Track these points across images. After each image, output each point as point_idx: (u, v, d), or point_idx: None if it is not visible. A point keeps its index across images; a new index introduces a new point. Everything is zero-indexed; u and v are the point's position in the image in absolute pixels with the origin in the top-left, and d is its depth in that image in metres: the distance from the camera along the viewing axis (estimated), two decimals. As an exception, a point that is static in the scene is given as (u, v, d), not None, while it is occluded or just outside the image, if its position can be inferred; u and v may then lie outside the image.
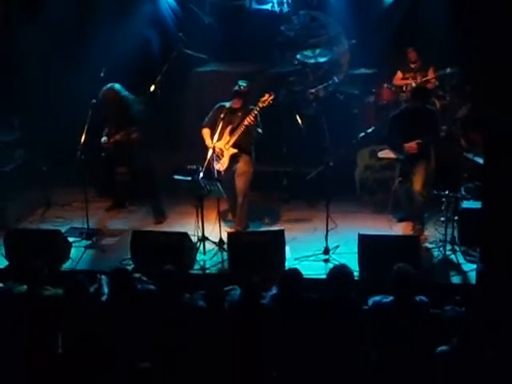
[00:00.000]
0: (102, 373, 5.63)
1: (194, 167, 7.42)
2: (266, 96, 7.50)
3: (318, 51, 9.28)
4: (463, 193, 7.43)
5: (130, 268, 6.92)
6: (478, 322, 5.09)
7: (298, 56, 9.30)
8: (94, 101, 7.84)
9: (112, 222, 8.33)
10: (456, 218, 7.31)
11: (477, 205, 6.79)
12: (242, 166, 7.71)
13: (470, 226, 6.96)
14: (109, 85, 7.94)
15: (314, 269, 7.00)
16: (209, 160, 7.46)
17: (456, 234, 7.29)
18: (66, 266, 7.30)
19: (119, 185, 8.42)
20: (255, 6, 9.86)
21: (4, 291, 6.13)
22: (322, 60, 9.23)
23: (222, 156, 7.65)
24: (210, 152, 7.52)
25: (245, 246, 7.07)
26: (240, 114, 7.59)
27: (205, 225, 7.44)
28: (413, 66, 9.05)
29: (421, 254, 6.90)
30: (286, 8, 9.81)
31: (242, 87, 7.59)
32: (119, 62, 8.65)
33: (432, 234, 7.60)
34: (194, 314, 5.70)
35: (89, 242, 7.72)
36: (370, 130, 8.21)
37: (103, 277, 6.23)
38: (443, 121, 8.42)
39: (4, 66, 9.04)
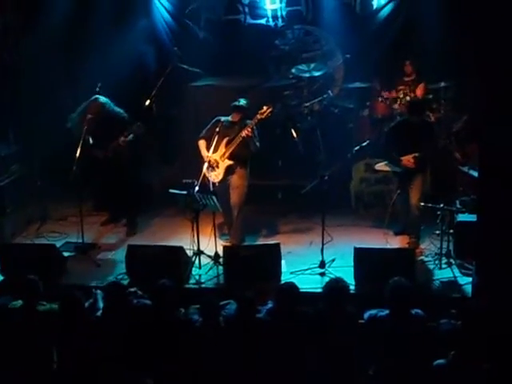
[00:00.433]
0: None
1: (190, 181, 7.42)
2: (265, 108, 7.53)
3: (312, 65, 9.31)
4: (458, 206, 7.44)
5: (125, 282, 6.91)
6: (475, 336, 5.08)
7: (293, 70, 9.33)
8: (89, 116, 7.85)
9: (107, 237, 8.31)
10: (451, 231, 7.31)
11: (472, 218, 6.79)
12: (236, 179, 7.71)
13: (466, 239, 6.97)
14: (92, 97, 7.98)
15: (309, 282, 6.99)
16: (204, 173, 7.47)
17: (451, 247, 7.29)
18: (61, 280, 7.27)
19: (110, 196, 8.40)
20: (250, 20, 9.90)
21: (-1, 306, 6.12)
22: (316, 74, 9.26)
23: (217, 167, 7.65)
24: (206, 165, 7.53)
25: (240, 260, 7.06)
26: (237, 127, 7.62)
27: (200, 238, 7.43)
28: (407, 79, 9.09)
29: (416, 268, 6.90)
30: (280, 23, 9.85)
31: (242, 103, 7.64)
32: (114, 77, 8.65)
33: (428, 247, 7.61)
34: (190, 328, 5.68)
35: (84, 257, 7.69)
36: (364, 144, 8.23)
37: (98, 291, 6.23)
38: (438, 134, 8.45)
39: (1, 81, 9.05)
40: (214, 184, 7.65)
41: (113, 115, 8.03)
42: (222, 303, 5.92)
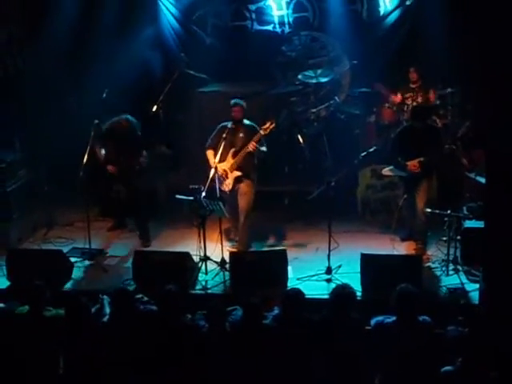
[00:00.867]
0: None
1: (196, 187, 7.43)
2: (268, 124, 7.55)
3: (319, 71, 9.32)
4: (465, 212, 7.42)
5: (131, 288, 6.91)
6: (482, 343, 5.06)
7: (300, 76, 9.34)
8: (96, 121, 7.87)
9: (114, 242, 8.32)
10: (458, 237, 7.29)
11: (479, 224, 6.77)
12: (244, 186, 7.74)
13: (473, 245, 6.95)
14: (123, 116, 8.02)
15: (316, 289, 6.98)
16: (211, 179, 7.48)
17: (458, 253, 7.27)
18: (68, 286, 7.28)
19: (117, 203, 8.41)
20: (257, 27, 9.92)
21: (6, 311, 6.12)
22: (323, 80, 9.26)
23: (227, 178, 7.69)
24: (213, 171, 7.54)
25: (247, 266, 7.06)
26: (242, 134, 7.63)
27: (207, 244, 7.43)
28: (413, 85, 9.08)
29: (423, 274, 6.88)
30: (287, 29, 9.88)
31: (238, 100, 7.69)
32: (121, 83, 8.69)
33: (434, 254, 7.59)
34: (196, 334, 5.68)
35: (91, 262, 7.70)
36: (371, 150, 8.22)
37: (105, 297, 6.22)
38: (445, 139, 8.45)
39: (7, 87, 9.08)
40: (221, 190, 7.67)
41: (134, 138, 8.03)
42: (228, 309, 5.91)
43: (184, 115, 9.65)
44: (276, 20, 9.84)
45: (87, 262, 7.73)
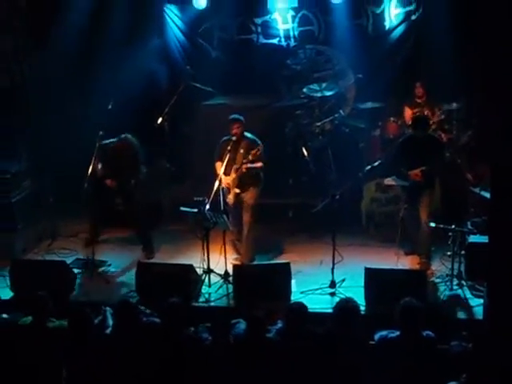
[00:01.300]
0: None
1: (201, 199, 7.44)
2: (254, 151, 7.57)
3: (324, 85, 9.34)
4: (470, 227, 7.41)
5: (134, 300, 6.90)
6: (486, 358, 5.03)
7: (305, 89, 9.36)
8: (101, 133, 7.91)
9: (118, 254, 8.31)
10: (463, 252, 7.28)
11: (483, 239, 6.75)
12: (248, 198, 7.78)
13: (477, 260, 6.93)
14: (123, 136, 8.01)
15: (320, 302, 6.97)
16: (215, 192, 7.49)
17: (463, 268, 7.25)
18: (71, 297, 7.28)
19: (117, 215, 8.41)
20: (262, 40, 9.96)
21: (9, 322, 6.11)
22: (328, 94, 9.28)
23: (229, 193, 7.75)
24: (217, 184, 7.55)
25: (250, 279, 7.05)
26: (242, 150, 7.65)
27: (210, 256, 7.43)
28: (419, 100, 9.08)
29: (427, 289, 6.87)
30: (292, 42, 9.91)
31: (237, 116, 7.74)
32: (127, 95, 8.72)
33: (439, 269, 7.57)
34: (199, 346, 5.66)
35: (94, 274, 7.69)
36: (376, 164, 8.22)
37: (108, 309, 6.22)
38: (450, 154, 8.47)
39: (13, 96, 9.12)
40: (225, 202, 7.68)
41: (133, 157, 8.04)
42: (231, 322, 5.89)
43: (189, 127, 9.67)
44: (281, 33, 9.88)
45: (90, 274, 7.72)
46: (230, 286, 7.26)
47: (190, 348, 5.66)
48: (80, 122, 8.84)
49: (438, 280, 7.37)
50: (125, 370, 5.61)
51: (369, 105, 9.36)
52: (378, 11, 9.55)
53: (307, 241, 8.51)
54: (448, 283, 7.21)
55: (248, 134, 7.79)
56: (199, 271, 7.39)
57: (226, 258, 7.51)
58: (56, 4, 9.26)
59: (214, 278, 7.45)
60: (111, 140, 8.03)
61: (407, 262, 7.77)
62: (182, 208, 7.50)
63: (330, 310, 6.45)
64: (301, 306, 5.76)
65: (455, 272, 7.22)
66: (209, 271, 7.43)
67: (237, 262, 7.73)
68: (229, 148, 7.65)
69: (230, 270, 7.33)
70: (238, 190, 7.71)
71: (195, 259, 7.51)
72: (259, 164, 7.69)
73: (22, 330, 5.92)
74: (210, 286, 7.38)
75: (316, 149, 9.03)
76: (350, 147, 9.09)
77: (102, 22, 9.25)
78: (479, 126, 8.71)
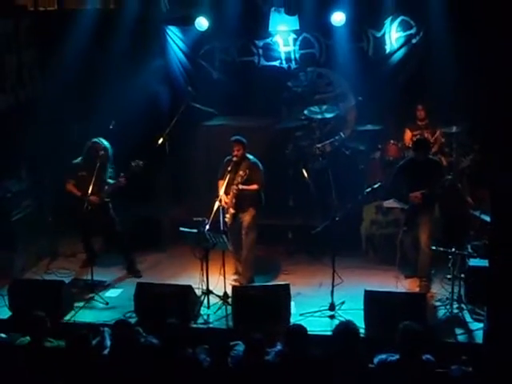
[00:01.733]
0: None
1: (200, 219, 7.44)
2: (241, 173, 7.58)
3: (324, 107, 9.38)
4: (470, 250, 7.40)
5: (133, 321, 6.87)
6: (486, 383, 5.00)
7: (305, 111, 9.40)
8: (102, 152, 7.93)
9: (115, 274, 8.29)
10: (463, 275, 7.26)
11: (484, 263, 6.74)
12: (247, 219, 7.77)
13: (477, 284, 6.91)
14: (96, 138, 8.03)
15: (319, 325, 6.93)
16: (215, 211, 7.49)
17: (463, 292, 7.23)
18: (69, 317, 7.24)
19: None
20: (264, 62, 10.01)
21: (6, 342, 6.08)
22: (328, 116, 9.32)
23: (228, 213, 7.73)
24: (217, 204, 7.55)
25: (249, 301, 7.01)
26: (243, 172, 7.64)
27: (209, 277, 7.40)
28: (420, 123, 9.11)
29: (427, 312, 6.83)
30: (293, 65, 9.97)
31: (239, 137, 7.76)
32: (128, 115, 8.74)
33: (439, 292, 7.55)
34: (197, 368, 5.63)
35: (92, 294, 7.67)
36: (376, 186, 8.22)
37: (106, 329, 6.19)
38: (451, 178, 8.48)
39: (17, 116, 9.17)
40: (225, 223, 7.67)
41: (106, 157, 7.97)
42: (230, 344, 5.86)
43: (190, 148, 9.69)
44: (283, 56, 9.93)
45: (89, 294, 7.69)
46: (229, 308, 7.22)
47: (188, 370, 5.62)
48: (81, 141, 8.84)
49: (437, 303, 7.34)
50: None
51: (369, 127, 9.40)
52: (379, 35, 9.61)
53: (307, 262, 8.50)
54: (448, 306, 7.18)
55: (250, 156, 7.80)
56: (198, 292, 7.37)
57: (225, 279, 7.49)
58: (59, 25, 9.33)
59: (213, 299, 7.42)
60: (78, 160, 8.06)
61: (407, 284, 7.76)
62: (182, 228, 7.50)
63: (329, 333, 6.43)
64: (300, 329, 5.74)
65: (455, 295, 7.19)
66: (208, 292, 7.40)
67: (236, 283, 7.70)
68: (229, 168, 7.67)
69: (229, 291, 7.31)
70: (232, 211, 7.70)
71: (194, 280, 7.48)
72: (254, 186, 7.69)
73: (19, 350, 5.89)
74: (208, 307, 7.35)
75: (316, 170, 9.05)
76: (350, 169, 9.10)
77: (105, 42, 9.31)
78: (480, 150, 8.73)
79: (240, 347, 5.77)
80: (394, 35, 9.58)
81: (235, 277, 7.99)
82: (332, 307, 7.23)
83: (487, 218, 7.51)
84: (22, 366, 5.75)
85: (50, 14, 9.97)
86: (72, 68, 9.28)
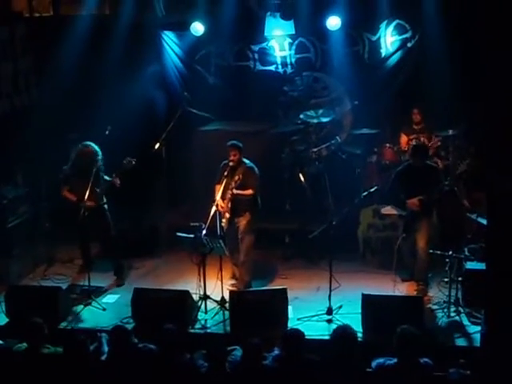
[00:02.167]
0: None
1: (197, 224, 7.43)
2: (236, 178, 7.58)
3: (320, 111, 9.41)
4: (467, 254, 7.41)
5: (130, 326, 6.85)
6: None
7: (301, 116, 9.42)
8: (98, 157, 7.92)
9: (112, 280, 8.27)
10: (460, 279, 7.26)
11: (481, 266, 6.75)
12: (244, 224, 7.77)
13: (475, 287, 6.92)
14: (86, 142, 8.02)
15: (316, 329, 6.93)
16: (212, 217, 7.48)
17: (460, 295, 7.23)
18: (66, 323, 7.23)
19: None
20: (259, 67, 10.03)
21: (4, 349, 6.07)
22: (324, 120, 9.34)
23: (224, 217, 7.74)
24: (214, 209, 7.55)
25: (247, 305, 7.01)
26: (237, 177, 7.63)
27: (207, 282, 7.39)
28: (416, 127, 9.13)
29: (425, 316, 6.83)
30: (289, 69, 9.99)
31: (236, 142, 7.75)
32: (124, 120, 8.74)
33: (436, 295, 7.55)
34: (195, 373, 5.62)
35: (89, 300, 7.66)
36: (372, 189, 8.24)
37: (103, 335, 6.18)
38: (448, 182, 8.49)
39: (13, 123, 9.16)
40: (222, 228, 7.67)
41: (95, 161, 7.93)
42: (228, 349, 5.85)
43: (186, 153, 9.69)
44: (278, 60, 9.95)
45: (86, 300, 7.68)
46: (227, 313, 7.21)
47: (185, 375, 5.61)
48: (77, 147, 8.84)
49: (435, 307, 7.35)
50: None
51: (365, 131, 9.41)
52: (374, 38, 9.63)
53: (304, 266, 8.50)
54: (445, 310, 7.18)
55: (246, 161, 7.80)
56: (195, 297, 7.36)
57: (222, 284, 7.49)
58: (55, 31, 9.34)
59: (210, 304, 7.41)
60: (68, 165, 8.06)
61: (404, 288, 7.75)
62: (179, 233, 7.49)
63: (326, 337, 6.44)
64: (298, 333, 5.73)
65: (452, 299, 7.20)
66: (205, 297, 7.39)
67: (233, 288, 7.70)
68: (226, 173, 7.67)
69: (227, 296, 7.30)
70: (227, 215, 7.71)
71: (191, 285, 7.47)
72: (248, 191, 7.69)
73: (16, 357, 5.87)
74: (206, 312, 7.34)
75: (312, 174, 9.05)
76: (346, 173, 9.12)
77: (101, 48, 9.31)
78: (477, 153, 8.75)
79: (238, 352, 5.76)
80: (389, 39, 9.61)
81: (232, 282, 7.99)
82: (329, 311, 7.23)
83: (484, 221, 7.51)
84: (20, 372, 5.73)
85: (45, 21, 9.99)
86: (68, 74, 9.29)
